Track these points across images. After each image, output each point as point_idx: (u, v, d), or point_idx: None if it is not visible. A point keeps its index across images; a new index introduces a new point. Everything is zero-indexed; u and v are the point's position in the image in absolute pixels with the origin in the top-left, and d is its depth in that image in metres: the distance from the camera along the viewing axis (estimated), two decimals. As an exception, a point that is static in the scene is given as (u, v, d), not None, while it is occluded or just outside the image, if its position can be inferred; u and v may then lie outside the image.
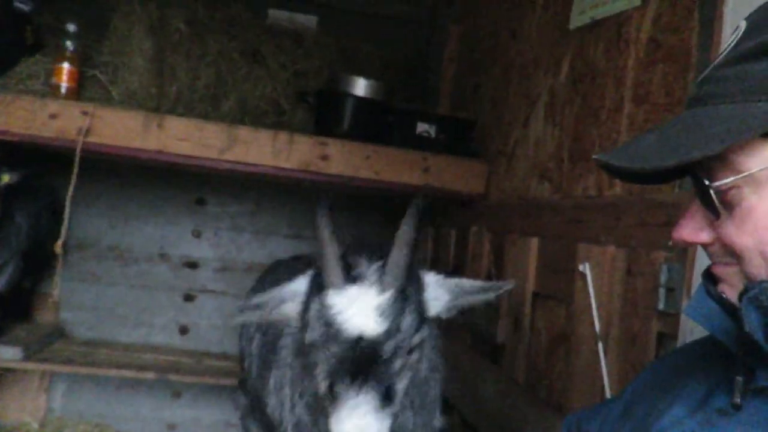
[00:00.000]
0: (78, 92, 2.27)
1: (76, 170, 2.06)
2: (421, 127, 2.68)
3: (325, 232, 1.01)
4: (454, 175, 2.59)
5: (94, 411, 3.15)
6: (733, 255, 0.68)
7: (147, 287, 3.32)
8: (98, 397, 3.16)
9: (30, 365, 2.72)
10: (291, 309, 1.09)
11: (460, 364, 2.41)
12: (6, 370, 2.86)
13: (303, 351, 1.13)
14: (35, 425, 3.08)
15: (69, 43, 2.24)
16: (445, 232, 2.85)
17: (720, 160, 0.65)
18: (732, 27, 1.18)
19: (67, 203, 2.14)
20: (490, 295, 1.12)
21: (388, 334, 0.97)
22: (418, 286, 1.07)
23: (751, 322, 0.63)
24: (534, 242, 1.94)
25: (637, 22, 1.52)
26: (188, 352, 3.19)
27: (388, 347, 0.97)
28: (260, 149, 2.38)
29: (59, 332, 3.12)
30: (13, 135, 2.13)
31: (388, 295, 1.00)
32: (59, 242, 2.08)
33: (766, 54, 0.64)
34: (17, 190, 2.49)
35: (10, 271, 2.67)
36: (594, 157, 0.74)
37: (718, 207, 0.67)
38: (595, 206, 1.62)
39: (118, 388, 3.15)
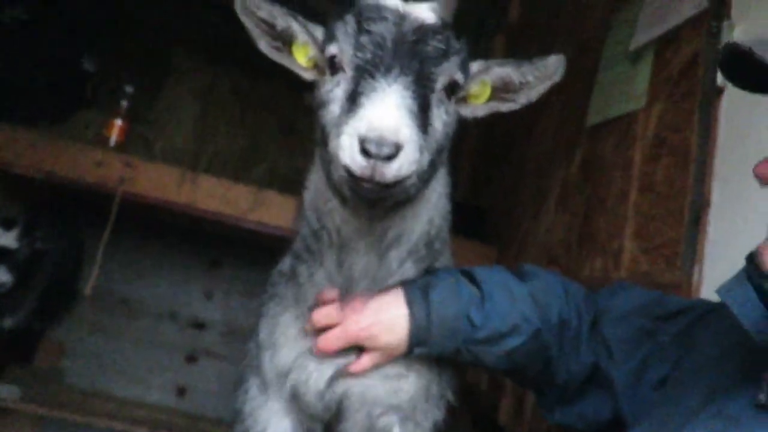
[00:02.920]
0: (124, 145, 2.46)
1: (113, 217, 2.18)
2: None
3: None
4: (464, 257, 2.68)
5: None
6: None
7: (151, 344, 3.33)
8: (85, 452, 3.08)
9: (26, 407, 2.69)
10: (303, 33, 0.94)
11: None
12: (0, 412, 2.83)
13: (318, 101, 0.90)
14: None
15: (124, 102, 2.45)
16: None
17: None
18: (728, 127, 1.32)
19: (101, 249, 2.24)
20: (540, 82, 0.97)
21: (437, 28, 0.85)
22: (465, 45, 0.94)
23: None
24: (540, 323, 1.98)
25: (643, 121, 1.67)
26: (183, 413, 3.14)
27: (436, 43, 0.85)
28: (283, 213, 2.50)
29: (57, 378, 3.11)
30: (59, 177, 2.29)
31: (440, 6, 0.89)
32: (89, 285, 2.16)
33: None
34: (47, 234, 2.61)
35: (24, 311, 2.73)
36: (736, 43, 0.66)
37: None
38: (600, 287, 1.69)
39: (107, 445, 3.07)
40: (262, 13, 0.95)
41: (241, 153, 2.56)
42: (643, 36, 1.69)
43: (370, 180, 0.76)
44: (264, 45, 0.97)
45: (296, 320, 1.06)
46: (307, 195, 1.07)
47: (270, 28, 0.96)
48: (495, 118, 3.61)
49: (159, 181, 2.38)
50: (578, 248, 1.91)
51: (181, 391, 3.30)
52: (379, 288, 1.00)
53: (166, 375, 3.30)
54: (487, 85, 0.99)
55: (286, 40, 0.97)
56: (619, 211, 1.69)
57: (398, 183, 0.77)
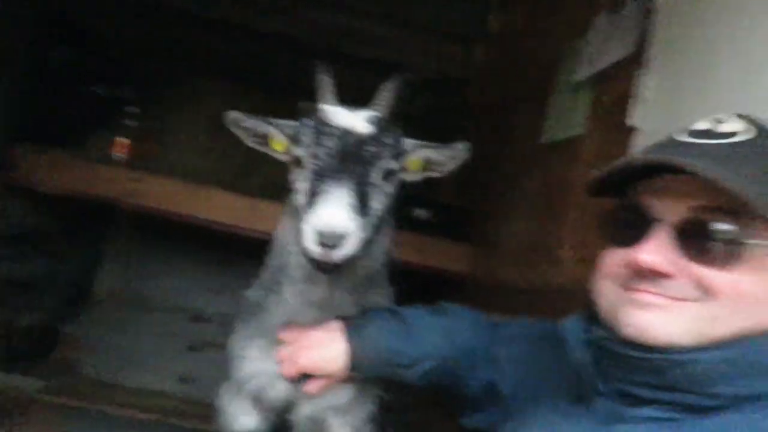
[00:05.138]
0: (132, 161, 2.71)
1: (123, 227, 2.44)
2: (419, 212, 3.06)
3: (324, 75, 1.19)
4: (444, 256, 2.93)
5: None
6: (705, 292, 0.77)
7: (158, 336, 3.60)
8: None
9: (48, 397, 2.98)
10: (278, 135, 1.25)
11: None
12: (24, 402, 3.10)
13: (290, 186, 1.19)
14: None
15: (129, 122, 2.70)
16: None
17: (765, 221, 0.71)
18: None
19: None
20: (451, 160, 1.28)
21: (372, 137, 1.12)
22: (398, 133, 1.21)
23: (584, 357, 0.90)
24: (504, 321, 2.24)
25: (586, 146, 1.91)
26: (189, 399, 3.42)
27: (372, 148, 1.11)
28: (278, 220, 2.75)
29: (74, 370, 3.39)
30: (74, 193, 2.55)
31: (375, 113, 1.16)
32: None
33: None
34: (67, 240, 2.88)
35: (48, 310, 3.01)
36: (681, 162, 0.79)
37: (730, 256, 0.74)
38: (549, 292, 1.95)
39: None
40: (246, 125, 1.29)
41: (239, 166, 2.80)
42: (584, 70, 1.92)
43: (323, 261, 1.05)
44: (250, 142, 1.32)
45: (261, 344, 1.37)
46: (279, 233, 1.34)
47: (253, 133, 1.30)
48: (481, 123, 3.80)
49: (164, 194, 2.63)
50: (534, 255, 2.16)
51: (184, 379, 3.58)
52: (323, 314, 1.29)
53: (172, 364, 3.58)
54: (419, 161, 1.29)
55: (266, 137, 1.31)
56: (562, 223, 1.94)
57: (345, 260, 1.05)
